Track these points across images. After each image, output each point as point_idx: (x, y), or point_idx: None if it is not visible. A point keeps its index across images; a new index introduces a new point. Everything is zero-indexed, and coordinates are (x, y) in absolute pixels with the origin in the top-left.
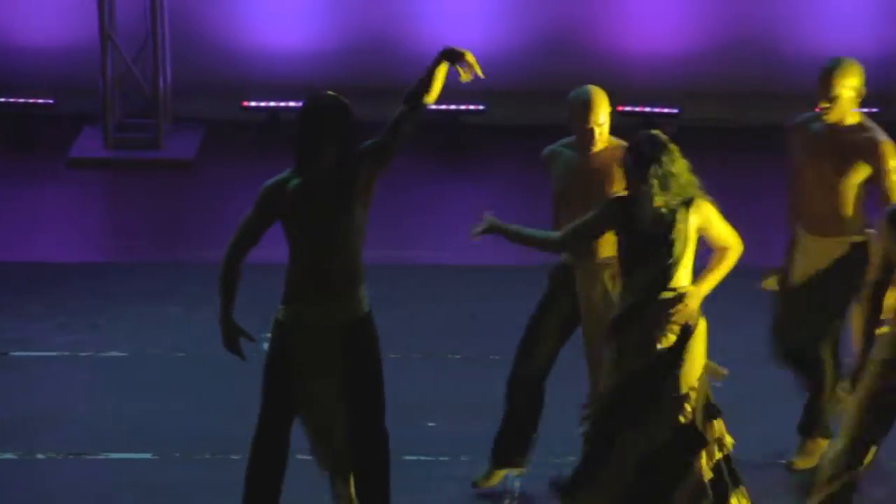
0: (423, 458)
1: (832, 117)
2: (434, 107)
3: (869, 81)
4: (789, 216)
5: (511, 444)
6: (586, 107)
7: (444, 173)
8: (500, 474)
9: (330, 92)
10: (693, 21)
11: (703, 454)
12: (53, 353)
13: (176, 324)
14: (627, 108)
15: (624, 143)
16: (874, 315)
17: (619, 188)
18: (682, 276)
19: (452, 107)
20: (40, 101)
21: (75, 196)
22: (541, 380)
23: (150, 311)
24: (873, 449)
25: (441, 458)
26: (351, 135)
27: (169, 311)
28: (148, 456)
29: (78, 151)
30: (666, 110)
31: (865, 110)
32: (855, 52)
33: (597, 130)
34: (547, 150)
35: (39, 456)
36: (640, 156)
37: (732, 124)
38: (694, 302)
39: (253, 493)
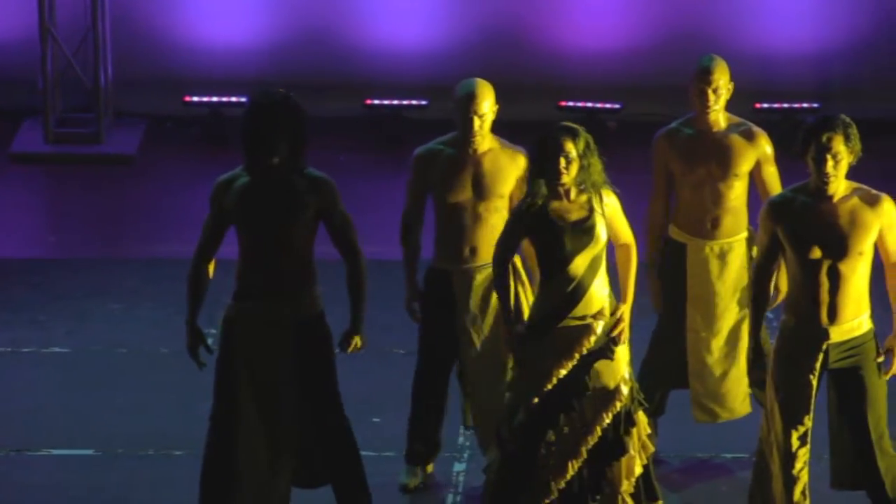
0: (368, 453)
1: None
2: (377, 101)
3: (809, 78)
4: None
5: (421, 442)
6: (469, 97)
7: (387, 168)
8: (420, 471)
9: (280, 89)
10: (635, 16)
11: (623, 465)
12: None
13: (118, 320)
14: (570, 103)
15: (507, 143)
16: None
17: (510, 187)
18: (601, 285)
19: (395, 101)
20: None
21: (15, 191)
22: (443, 379)
23: (91, 306)
24: (807, 423)
25: (386, 454)
26: (302, 132)
27: (111, 307)
28: (90, 452)
29: (18, 146)
30: (608, 105)
31: (805, 105)
32: (794, 49)
33: (476, 121)
34: (422, 149)
35: None
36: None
37: (674, 119)
38: (627, 317)
39: (210, 494)
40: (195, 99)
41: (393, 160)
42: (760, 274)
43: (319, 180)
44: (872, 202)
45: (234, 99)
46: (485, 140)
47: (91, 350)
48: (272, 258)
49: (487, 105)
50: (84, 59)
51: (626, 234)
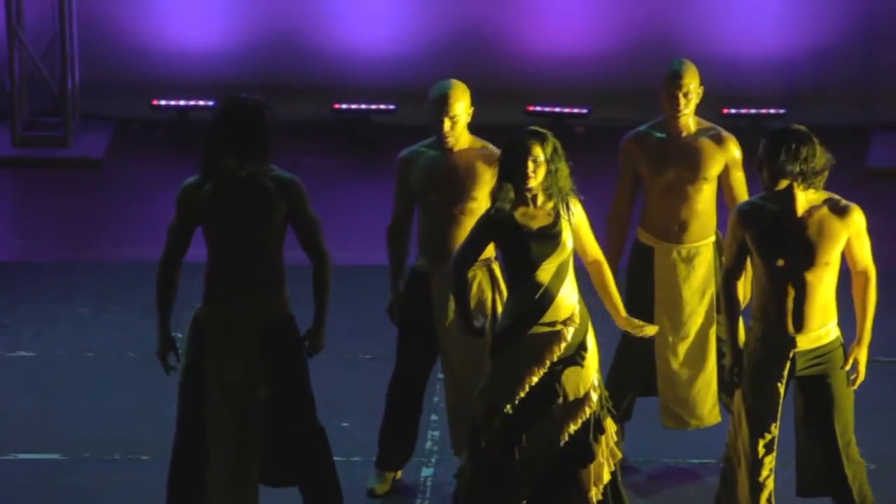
0: (336, 458)
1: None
2: (345, 106)
3: (776, 83)
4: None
5: (393, 447)
6: (441, 99)
7: (355, 172)
8: (389, 477)
9: (247, 94)
10: (603, 21)
11: (591, 472)
12: None
13: (84, 323)
14: (538, 108)
15: (488, 144)
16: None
17: (485, 190)
18: (570, 292)
19: (363, 106)
20: None
21: None
22: (419, 383)
23: (58, 310)
24: (773, 430)
25: (353, 459)
26: (268, 138)
27: (77, 311)
28: (57, 456)
29: None
30: (576, 110)
31: (773, 111)
32: (761, 54)
33: (447, 123)
34: (406, 152)
35: None
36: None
37: (642, 124)
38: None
39: (177, 498)
40: (162, 102)
41: (361, 165)
42: (729, 280)
43: (288, 182)
44: (842, 213)
45: (201, 102)
46: (459, 141)
47: (58, 354)
48: (242, 260)
49: (461, 107)
50: (51, 62)
51: (594, 249)
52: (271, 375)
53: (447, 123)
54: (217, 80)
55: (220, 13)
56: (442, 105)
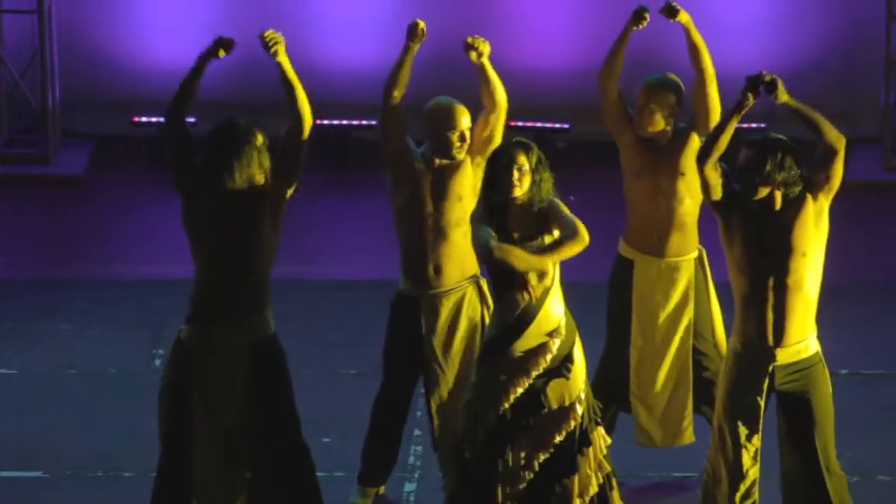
0: (318, 473)
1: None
2: (325, 122)
3: (757, 99)
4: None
5: (376, 463)
6: (454, 112)
7: (337, 188)
8: (372, 492)
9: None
10: (584, 36)
11: (576, 483)
12: None
13: (65, 340)
14: (519, 123)
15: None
16: None
17: (469, 205)
18: (557, 302)
19: (344, 122)
20: None
21: None
22: (404, 400)
23: (39, 327)
24: (755, 442)
25: (336, 474)
26: (233, 156)
27: (58, 328)
28: (38, 474)
29: None
30: (557, 125)
31: (754, 125)
32: (743, 70)
33: (467, 134)
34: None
35: None
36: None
37: None
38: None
39: None
40: (143, 119)
41: (342, 181)
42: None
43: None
44: (797, 200)
45: None
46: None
47: (39, 371)
48: (230, 281)
49: (468, 121)
50: (31, 79)
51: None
52: (256, 396)
53: (459, 135)
54: (198, 97)
55: (202, 30)
56: (455, 117)
